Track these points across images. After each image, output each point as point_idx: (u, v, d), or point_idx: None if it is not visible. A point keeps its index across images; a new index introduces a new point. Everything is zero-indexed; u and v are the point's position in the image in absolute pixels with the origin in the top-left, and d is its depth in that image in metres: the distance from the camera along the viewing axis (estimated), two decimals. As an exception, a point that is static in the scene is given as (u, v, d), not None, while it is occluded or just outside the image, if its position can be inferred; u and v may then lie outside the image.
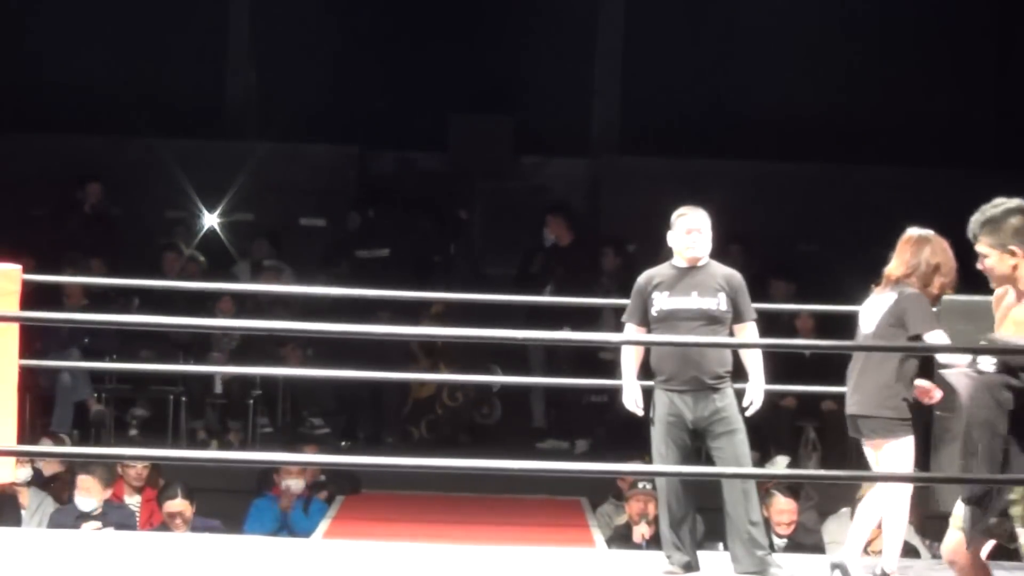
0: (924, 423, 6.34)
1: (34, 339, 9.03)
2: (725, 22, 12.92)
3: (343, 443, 9.96)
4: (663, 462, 5.83)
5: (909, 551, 7.50)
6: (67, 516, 7.56)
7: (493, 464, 6.05)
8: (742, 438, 5.87)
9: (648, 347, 5.98)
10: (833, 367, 9.07)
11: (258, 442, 9.33)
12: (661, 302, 5.86)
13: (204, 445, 9.21)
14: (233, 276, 10.63)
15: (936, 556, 7.44)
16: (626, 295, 6.07)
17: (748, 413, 5.95)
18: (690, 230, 5.90)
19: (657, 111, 12.91)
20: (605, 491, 8.51)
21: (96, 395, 9.24)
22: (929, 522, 7.80)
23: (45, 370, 8.99)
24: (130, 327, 9.44)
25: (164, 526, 7.73)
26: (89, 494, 7.50)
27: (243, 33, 13.33)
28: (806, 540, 7.59)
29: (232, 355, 9.64)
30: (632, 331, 5.97)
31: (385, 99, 12.94)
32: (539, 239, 10.57)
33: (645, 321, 5.93)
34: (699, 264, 5.93)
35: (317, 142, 12.41)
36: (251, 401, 9.45)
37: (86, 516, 7.39)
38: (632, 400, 5.91)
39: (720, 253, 11.18)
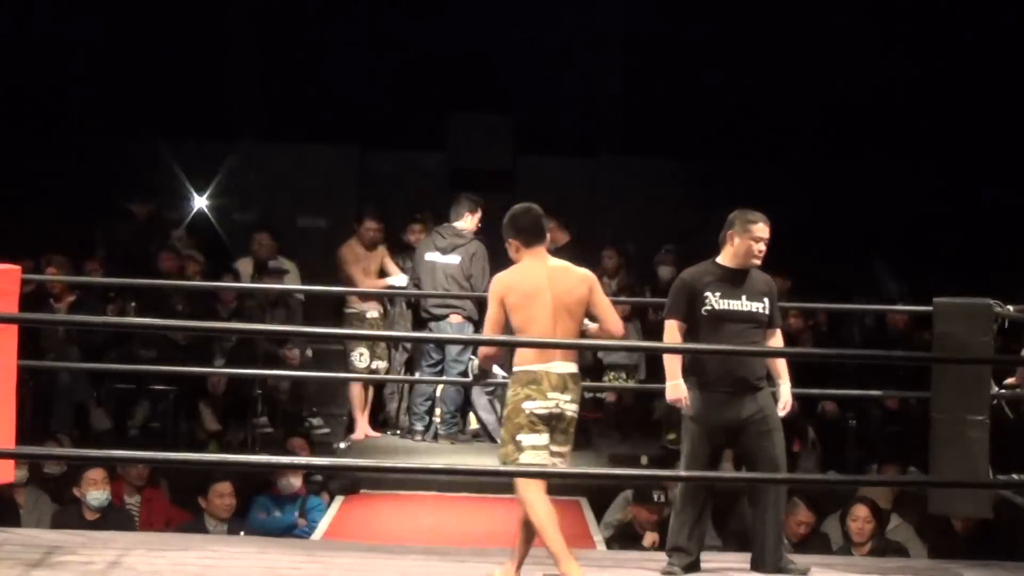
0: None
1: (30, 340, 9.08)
2: (725, 22, 12.94)
3: (343, 444, 9.98)
4: (693, 459, 5.87)
5: (899, 551, 7.55)
6: (71, 516, 7.60)
7: (491, 467, 6.11)
8: (780, 437, 5.95)
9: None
10: (833, 367, 9.17)
11: (258, 443, 9.34)
12: (713, 302, 5.90)
13: (204, 446, 9.22)
14: (234, 273, 10.65)
15: (933, 556, 7.49)
16: (626, 295, 6.09)
17: (782, 414, 6.03)
18: (760, 239, 5.95)
19: (658, 111, 12.93)
20: (605, 493, 8.53)
21: (95, 395, 9.24)
22: (928, 522, 7.82)
23: (43, 370, 9.00)
24: (128, 328, 9.48)
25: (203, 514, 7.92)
26: (98, 486, 7.56)
27: (244, 33, 13.35)
28: (810, 539, 7.64)
29: (232, 355, 9.64)
30: (674, 328, 5.97)
31: (385, 98, 12.96)
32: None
33: (688, 319, 5.95)
34: (747, 268, 6.00)
35: (317, 142, 12.43)
36: (251, 401, 9.46)
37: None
38: (682, 394, 5.90)
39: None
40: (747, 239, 5.93)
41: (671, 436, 9.67)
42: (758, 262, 5.97)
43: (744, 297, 5.92)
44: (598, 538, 7.91)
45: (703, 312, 5.89)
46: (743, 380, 5.84)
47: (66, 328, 9.21)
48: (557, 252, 10.17)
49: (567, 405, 5.45)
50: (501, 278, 5.63)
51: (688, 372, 5.91)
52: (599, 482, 8.64)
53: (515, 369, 5.48)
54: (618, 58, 13.32)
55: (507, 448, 5.46)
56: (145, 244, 10.61)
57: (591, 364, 10.42)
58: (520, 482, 5.49)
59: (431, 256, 9.91)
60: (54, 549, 6.02)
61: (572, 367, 5.48)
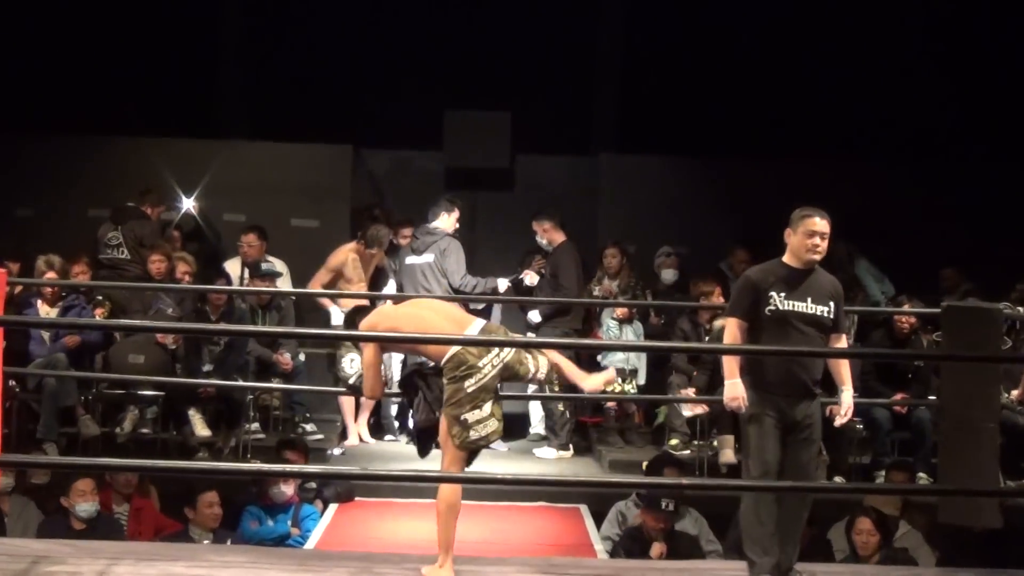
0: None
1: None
2: (727, 19, 12.94)
3: (337, 451, 9.97)
4: (759, 459, 5.86)
5: (908, 560, 7.55)
6: (57, 526, 7.60)
7: (488, 475, 6.12)
8: (816, 449, 6.04)
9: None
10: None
11: (250, 450, 9.32)
12: (778, 302, 5.91)
13: (194, 452, 9.21)
14: (226, 276, 10.66)
15: (939, 564, 7.49)
16: (628, 296, 6.10)
17: (841, 422, 6.10)
18: (815, 233, 5.96)
19: (658, 108, 12.92)
20: (606, 500, 8.52)
21: (83, 400, 9.23)
22: (937, 529, 7.83)
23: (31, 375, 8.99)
24: (115, 330, 9.47)
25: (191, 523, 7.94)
26: (86, 498, 7.58)
27: (235, 30, 13.33)
28: (812, 547, 7.64)
29: (222, 360, 9.61)
30: (735, 326, 5.98)
31: (380, 96, 12.94)
32: (535, 243, 10.60)
33: (750, 317, 5.95)
34: (811, 268, 6.02)
35: (310, 140, 12.40)
36: (242, 407, 9.44)
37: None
38: (740, 393, 5.90)
39: (726, 255, 11.27)
40: (802, 235, 5.95)
41: (673, 442, 9.68)
42: (817, 257, 5.97)
43: (810, 299, 5.93)
44: (599, 547, 7.90)
45: (767, 312, 5.90)
46: (803, 384, 5.87)
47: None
48: (554, 252, 10.31)
49: (500, 359, 5.93)
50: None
51: (745, 372, 5.91)
52: (600, 489, 8.65)
53: (441, 365, 5.99)
54: (617, 54, 13.31)
55: (455, 430, 5.95)
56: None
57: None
58: (450, 461, 6.00)
59: (410, 260, 10.12)
60: (40, 559, 6.02)
61: (478, 326, 6.09)
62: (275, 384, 9.87)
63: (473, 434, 5.94)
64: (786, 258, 6.01)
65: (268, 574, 5.96)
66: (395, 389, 10.33)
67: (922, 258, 11.12)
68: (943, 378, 6.26)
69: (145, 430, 9.29)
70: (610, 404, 10.34)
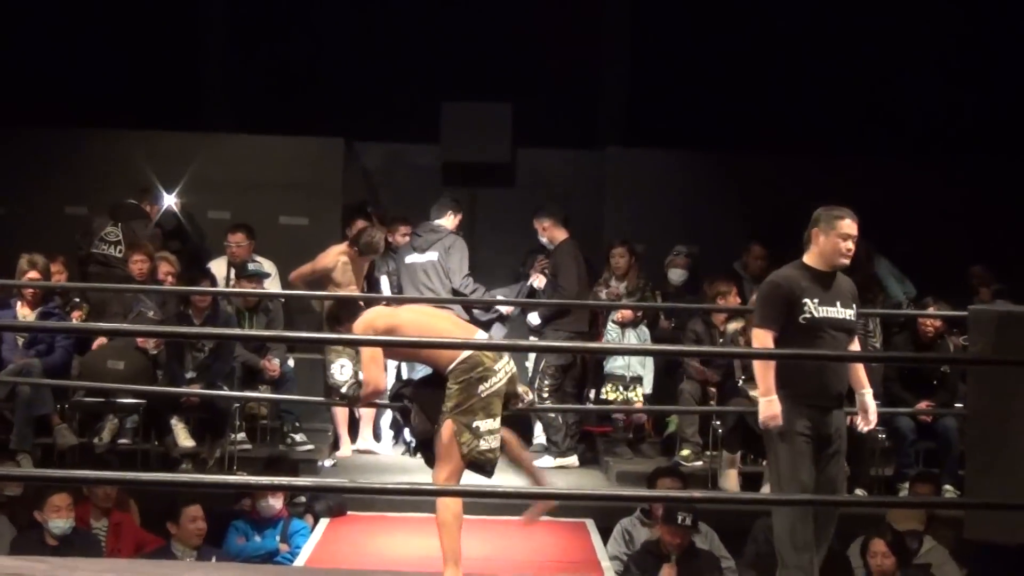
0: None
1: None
2: (735, 12, 12.93)
3: (328, 462, 9.93)
4: (795, 480, 5.82)
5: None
6: (31, 541, 7.57)
7: (488, 488, 6.09)
8: (844, 460, 6.07)
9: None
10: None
11: (236, 461, 9.29)
12: (812, 309, 5.91)
13: (177, 464, 9.19)
14: (210, 277, 10.64)
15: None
16: (637, 298, 6.08)
17: (866, 428, 6.17)
18: (848, 236, 5.95)
19: (668, 99, 12.90)
20: (613, 514, 8.49)
21: (59, 408, 9.20)
22: (964, 545, 7.80)
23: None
24: (93, 334, 9.45)
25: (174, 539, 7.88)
26: (61, 514, 7.55)
27: (221, 19, 13.30)
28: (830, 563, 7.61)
29: (205, 367, 9.58)
30: (770, 338, 5.93)
31: (373, 86, 12.92)
32: (537, 241, 10.59)
33: (782, 328, 5.92)
34: (835, 270, 6.02)
35: (299, 133, 12.37)
36: (228, 416, 9.41)
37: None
38: (777, 411, 5.85)
39: (740, 254, 11.26)
40: (834, 237, 5.94)
41: (685, 453, 9.65)
42: (847, 262, 5.98)
43: (839, 304, 5.94)
44: (606, 564, 7.87)
45: (801, 320, 5.88)
46: (836, 394, 5.89)
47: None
48: (554, 251, 10.28)
49: (511, 366, 6.17)
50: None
51: (779, 385, 5.86)
52: (607, 503, 8.62)
53: (450, 369, 6.00)
54: (625, 42, 13.28)
55: (465, 437, 5.98)
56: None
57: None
58: (450, 472, 6.01)
59: (410, 258, 10.11)
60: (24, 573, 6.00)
61: (483, 335, 6.56)
62: (262, 392, 9.84)
63: (483, 444, 5.97)
64: (810, 260, 5.97)
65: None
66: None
67: (945, 257, 11.11)
68: (970, 384, 6.21)
69: (125, 440, 9.29)
70: (617, 415, 10.31)
